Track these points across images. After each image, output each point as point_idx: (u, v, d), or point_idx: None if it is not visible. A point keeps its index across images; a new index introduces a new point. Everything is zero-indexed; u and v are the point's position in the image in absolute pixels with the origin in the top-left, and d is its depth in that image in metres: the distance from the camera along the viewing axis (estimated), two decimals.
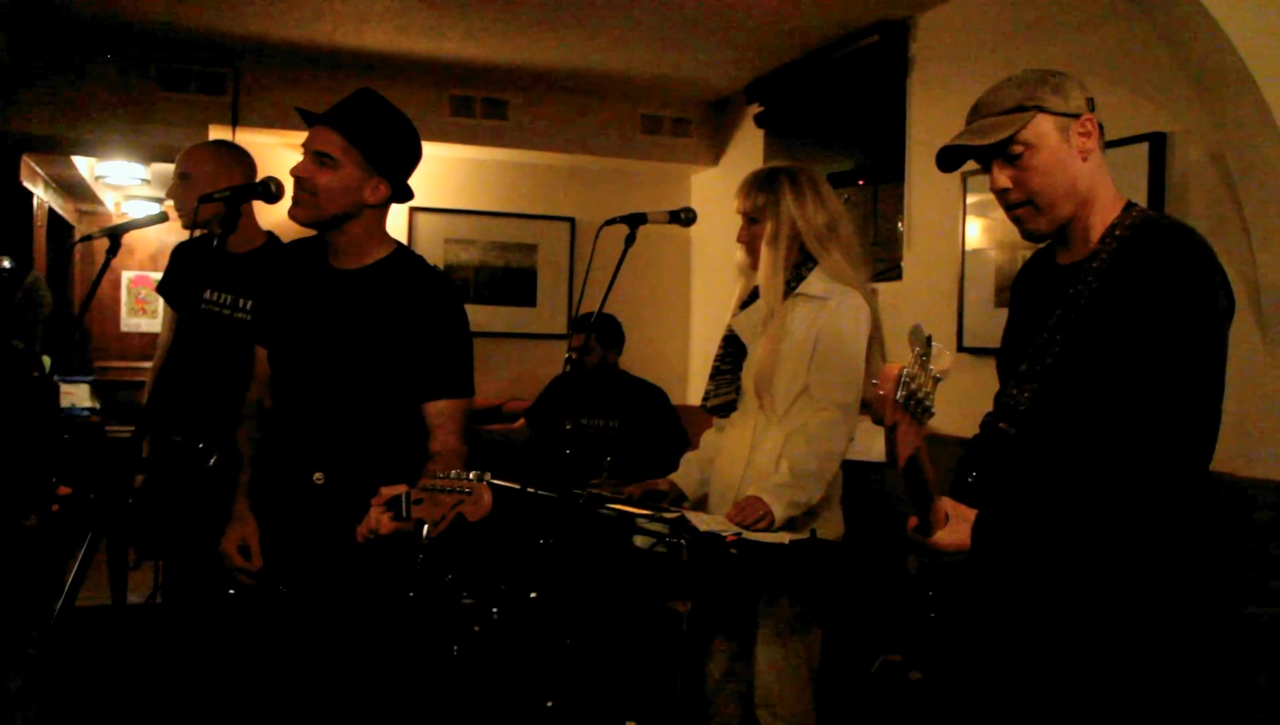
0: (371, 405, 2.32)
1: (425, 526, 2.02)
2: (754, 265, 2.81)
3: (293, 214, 2.29)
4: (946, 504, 1.72)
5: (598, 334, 4.29)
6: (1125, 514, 1.72)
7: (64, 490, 3.81)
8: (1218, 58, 2.65)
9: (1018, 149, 1.81)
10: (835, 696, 2.86)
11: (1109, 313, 1.75)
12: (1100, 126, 1.85)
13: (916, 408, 1.49)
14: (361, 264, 2.35)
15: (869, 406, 1.60)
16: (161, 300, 3.44)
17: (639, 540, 2.54)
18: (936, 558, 1.75)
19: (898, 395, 1.48)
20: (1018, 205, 1.86)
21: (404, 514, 2.02)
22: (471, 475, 1.98)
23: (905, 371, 1.47)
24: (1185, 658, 1.75)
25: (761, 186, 2.76)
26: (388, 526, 2.05)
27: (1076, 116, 1.81)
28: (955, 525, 1.73)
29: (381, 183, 2.30)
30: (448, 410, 2.33)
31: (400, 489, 2.03)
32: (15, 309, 5.84)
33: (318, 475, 2.29)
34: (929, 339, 1.48)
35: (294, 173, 2.27)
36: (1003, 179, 1.85)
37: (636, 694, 3.23)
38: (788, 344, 2.71)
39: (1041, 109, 1.80)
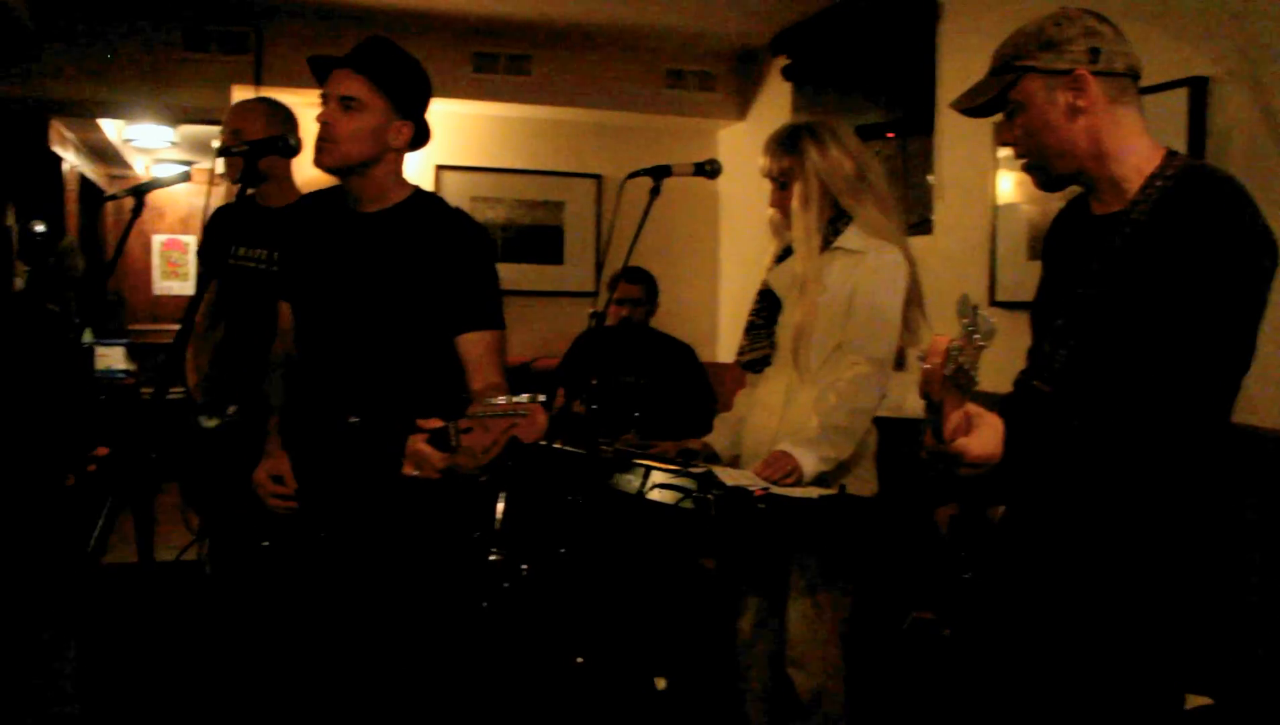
0: (402, 344, 2.33)
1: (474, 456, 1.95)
2: (788, 227, 2.78)
3: (318, 161, 2.30)
4: (970, 408, 1.58)
5: (645, 288, 4.36)
6: (1142, 466, 1.68)
7: (101, 451, 3.87)
8: None
9: (1012, 107, 1.79)
10: (866, 653, 2.85)
11: (1145, 265, 1.69)
12: (1131, 74, 1.77)
13: (963, 379, 1.48)
14: (383, 207, 2.37)
15: (920, 385, 1.55)
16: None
17: (665, 495, 2.53)
18: (956, 465, 1.59)
19: (947, 370, 1.46)
20: (1022, 158, 1.85)
21: (453, 444, 1.98)
22: (524, 397, 1.93)
23: (953, 345, 1.45)
24: (1212, 613, 1.73)
25: (785, 148, 2.74)
26: (438, 460, 1.99)
27: (1067, 73, 1.74)
28: (982, 432, 1.58)
29: (405, 124, 2.33)
30: (483, 343, 2.33)
31: (437, 423, 2.00)
32: (49, 273, 5.90)
33: (352, 418, 2.29)
34: (975, 308, 1.46)
35: (320, 119, 2.28)
36: (1007, 134, 1.84)
37: (666, 651, 3.25)
38: (824, 300, 2.69)
39: (1030, 69, 1.75)
